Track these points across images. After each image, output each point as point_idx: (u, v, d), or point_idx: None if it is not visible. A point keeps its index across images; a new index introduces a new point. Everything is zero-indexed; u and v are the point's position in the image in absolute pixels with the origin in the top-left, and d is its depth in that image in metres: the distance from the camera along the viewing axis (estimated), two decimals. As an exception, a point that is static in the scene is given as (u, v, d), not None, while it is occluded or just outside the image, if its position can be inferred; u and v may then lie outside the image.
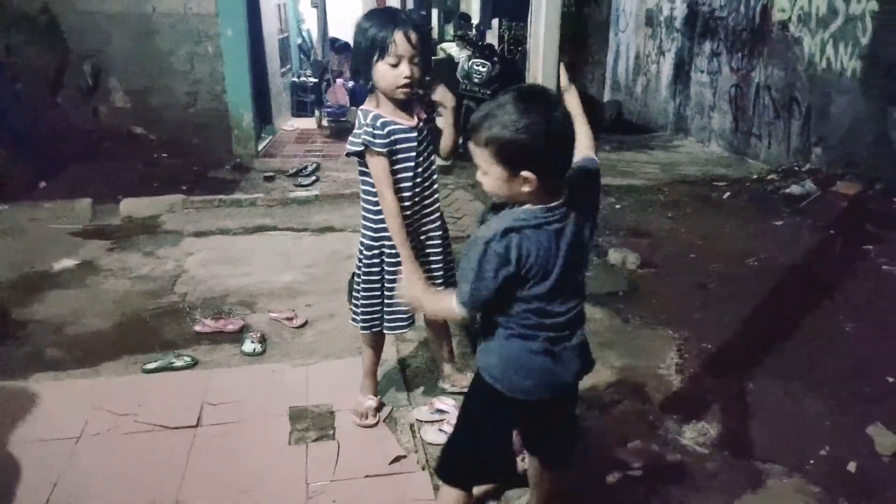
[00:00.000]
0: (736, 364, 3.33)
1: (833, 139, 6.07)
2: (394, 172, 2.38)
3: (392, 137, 2.34)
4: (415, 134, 2.41)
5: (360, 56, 2.29)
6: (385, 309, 2.59)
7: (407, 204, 2.44)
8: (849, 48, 5.79)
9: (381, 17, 2.26)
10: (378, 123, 2.32)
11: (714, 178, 6.59)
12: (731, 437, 2.83)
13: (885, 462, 2.65)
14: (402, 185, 2.42)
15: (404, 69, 2.22)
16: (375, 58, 2.23)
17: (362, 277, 2.56)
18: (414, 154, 2.42)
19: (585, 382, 3.12)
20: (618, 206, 5.90)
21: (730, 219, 5.43)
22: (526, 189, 1.58)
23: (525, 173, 1.56)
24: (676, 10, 8.77)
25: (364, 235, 2.52)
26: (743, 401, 3.08)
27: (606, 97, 10.69)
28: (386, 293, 2.54)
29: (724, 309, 3.89)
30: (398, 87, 2.26)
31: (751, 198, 5.96)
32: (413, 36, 2.20)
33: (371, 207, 2.47)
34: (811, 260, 4.54)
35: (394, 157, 2.37)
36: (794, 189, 5.79)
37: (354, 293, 2.64)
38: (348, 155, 2.43)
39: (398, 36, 2.18)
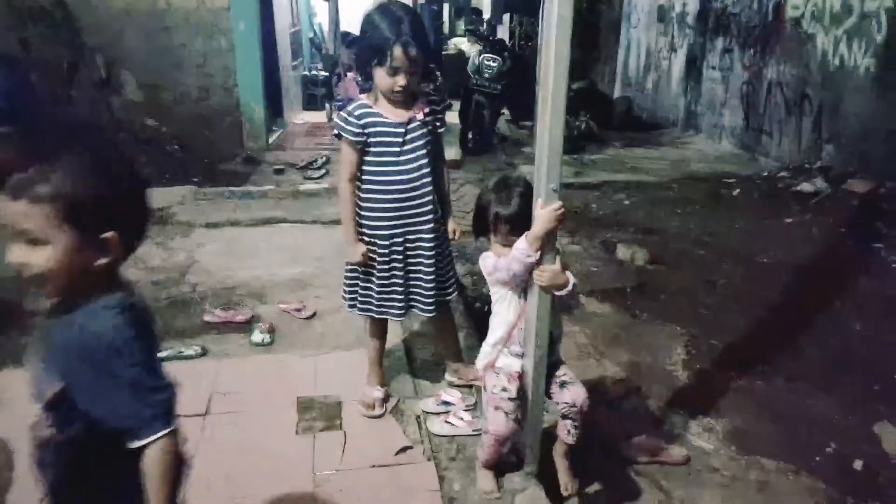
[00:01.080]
0: (743, 361, 3.33)
1: (845, 137, 6.03)
2: (374, 164, 2.47)
3: (367, 130, 2.42)
4: (399, 130, 2.44)
5: (363, 55, 2.44)
6: (376, 295, 2.65)
7: (389, 198, 2.49)
8: (863, 45, 5.75)
9: (386, 24, 2.32)
10: (356, 113, 2.43)
11: (724, 175, 6.56)
12: (737, 433, 2.83)
13: (893, 461, 2.64)
14: (382, 178, 2.48)
15: (400, 79, 2.33)
16: (375, 62, 2.35)
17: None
18: (396, 150, 2.46)
19: (591, 376, 3.15)
20: (627, 203, 5.89)
21: (739, 216, 5.41)
22: (103, 261, 1.26)
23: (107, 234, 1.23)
24: (689, 6, 8.72)
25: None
26: (750, 398, 3.08)
27: (617, 93, 10.65)
28: (377, 279, 2.62)
29: (732, 306, 3.89)
30: (393, 92, 2.38)
31: (761, 195, 5.94)
32: (412, 51, 2.29)
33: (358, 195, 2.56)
34: (821, 258, 4.52)
35: (371, 150, 2.46)
36: (805, 186, 5.77)
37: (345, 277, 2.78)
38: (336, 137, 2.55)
39: (397, 50, 2.28)
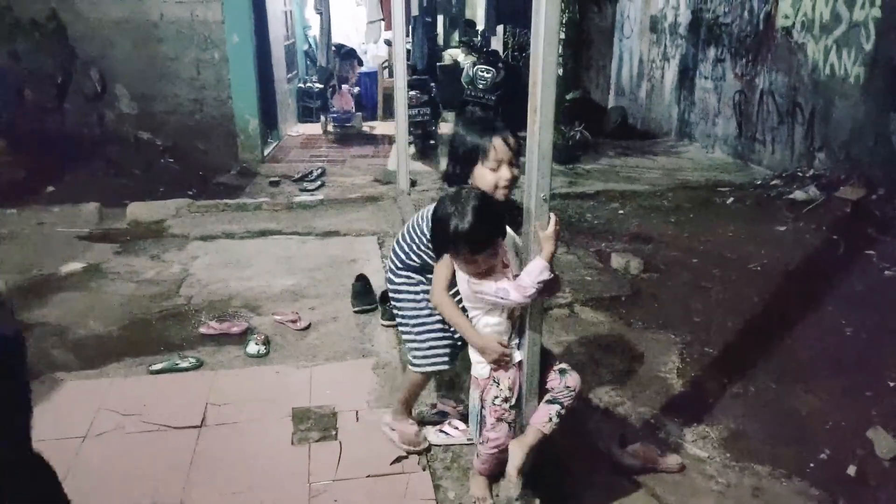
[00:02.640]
0: (737, 368, 3.34)
1: (836, 144, 6.08)
2: None
3: None
4: None
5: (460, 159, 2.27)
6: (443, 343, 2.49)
7: None
8: (852, 54, 5.81)
9: (480, 125, 2.26)
10: None
11: (717, 184, 6.60)
12: (731, 440, 2.85)
13: (885, 466, 2.65)
14: None
15: (505, 172, 2.19)
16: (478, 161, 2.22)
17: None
18: None
19: (586, 384, 3.16)
20: (621, 212, 5.92)
21: (733, 224, 5.44)
22: None
23: None
24: (681, 17, 8.80)
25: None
26: (743, 404, 3.09)
27: (611, 103, 10.71)
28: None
29: (726, 313, 3.91)
30: (498, 189, 2.20)
31: (754, 203, 5.98)
32: (511, 141, 2.20)
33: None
34: (813, 265, 4.54)
35: None
36: (798, 194, 5.80)
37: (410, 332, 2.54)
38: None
39: (497, 142, 2.18)
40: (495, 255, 2.06)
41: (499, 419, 2.19)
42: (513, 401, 2.19)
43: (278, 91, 9.01)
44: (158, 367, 3.24)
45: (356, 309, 3.86)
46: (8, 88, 6.84)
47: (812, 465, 2.68)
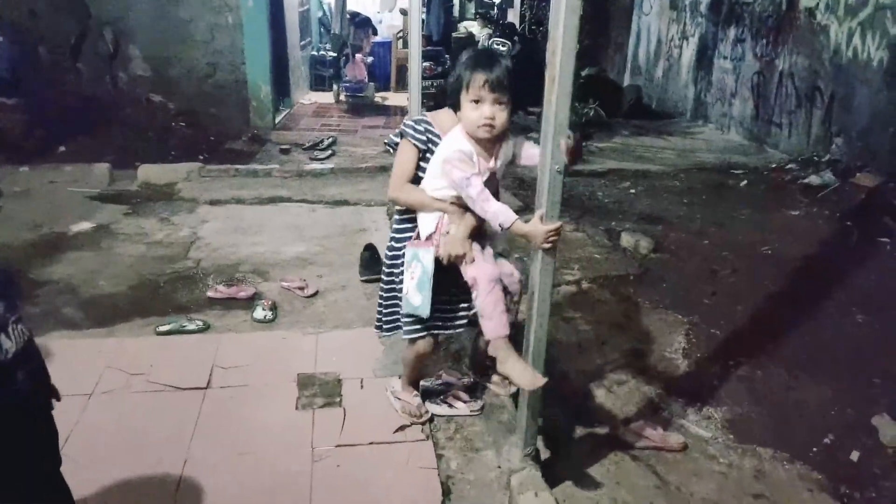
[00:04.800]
0: (743, 351, 3.32)
1: (855, 130, 5.99)
2: None
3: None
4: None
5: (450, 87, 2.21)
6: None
7: None
8: (876, 37, 5.68)
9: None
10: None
11: (731, 166, 6.53)
12: (735, 422, 2.84)
13: (889, 453, 2.65)
14: None
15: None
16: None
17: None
18: None
19: (591, 362, 3.17)
20: (632, 191, 5.87)
21: (745, 207, 5.39)
22: None
23: None
24: (702, -5, 8.64)
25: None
26: (749, 387, 3.08)
27: (626, 81, 10.57)
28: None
29: (735, 296, 3.88)
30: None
31: (768, 187, 5.91)
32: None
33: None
34: (825, 251, 4.50)
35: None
36: (813, 179, 5.73)
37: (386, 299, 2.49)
38: None
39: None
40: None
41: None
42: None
43: (291, 58, 8.94)
44: (166, 328, 3.26)
45: (363, 278, 3.86)
46: (24, 46, 6.80)
47: (815, 449, 2.68)
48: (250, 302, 3.56)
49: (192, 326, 3.27)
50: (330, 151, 6.84)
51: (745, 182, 6.03)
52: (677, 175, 6.29)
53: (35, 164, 5.75)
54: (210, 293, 3.65)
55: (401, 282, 2.34)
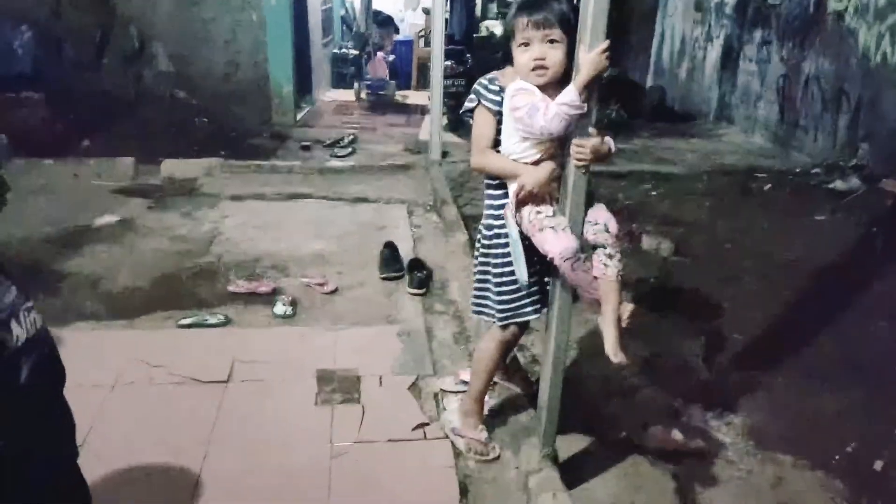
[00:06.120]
0: (764, 358, 3.28)
1: (882, 135, 5.89)
2: None
3: None
4: None
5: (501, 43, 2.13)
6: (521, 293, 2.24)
7: None
8: (906, 42, 5.60)
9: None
10: None
11: (755, 170, 6.44)
12: (755, 428, 2.80)
13: (914, 463, 2.60)
14: None
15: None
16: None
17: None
18: None
19: (609, 366, 3.14)
20: (653, 193, 5.83)
21: (769, 212, 5.32)
22: None
23: None
24: (728, -4, 8.55)
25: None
26: (769, 394, 3.04)
27: (649, 82, 10.49)
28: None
29: (756, 303, 3.83)
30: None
31: (792, 191, 5.83)
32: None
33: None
34: (850, 257, 4.43)
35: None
36: (839, 184, 5.65)
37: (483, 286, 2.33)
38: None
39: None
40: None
41: (541, 230, 2.03)
42: (549, 211, 2.06)
43: (313, 56, 8.98)
44: (187, 321, 3.29)
45: (383, 276, 3.87)
46: (48, 43, 6.90)
47: (837, 458, 2.64)
48: (270, 297, 3.58)
49: (213, 320, 3.30)
50: (351, 149, 6.86)
51: (769, 186, 5.96)
52: (700, 177, 6.23)
53: (59, 158, 5.83)
54: (231, 288, 3.67)
55: (496, 262, 2.20)
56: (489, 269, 2.24)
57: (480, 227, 2.29)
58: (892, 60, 5.76)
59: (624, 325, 2.13)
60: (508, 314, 2.24)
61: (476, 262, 2.34)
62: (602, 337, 2.15)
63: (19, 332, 1.32)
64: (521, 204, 2.06)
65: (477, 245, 2.32)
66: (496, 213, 2.19)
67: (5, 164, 4.96)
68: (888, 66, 5.80)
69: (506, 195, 2.14)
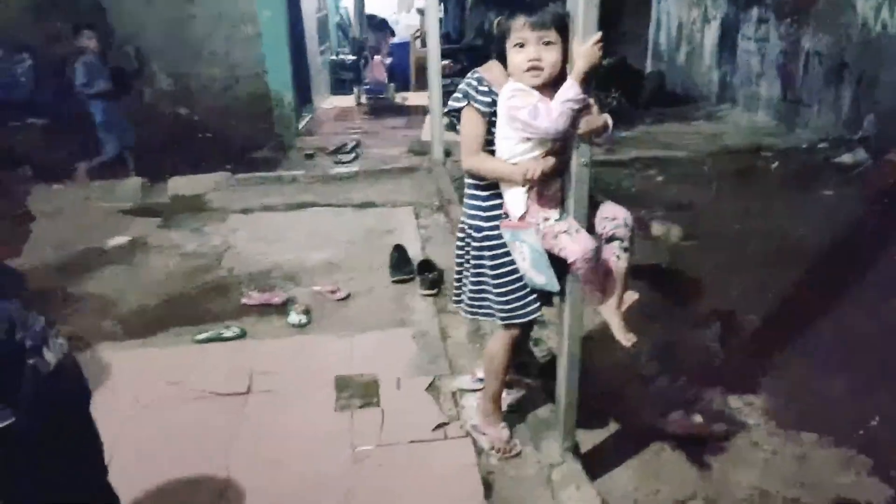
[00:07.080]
0: (780, 338, 3.27)
1: (886, 106, 5.84)
2: None
3: None
4: None
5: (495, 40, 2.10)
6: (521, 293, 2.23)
7: None
8: (905, 10, 5.55)
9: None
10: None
11: (760, 148, 6.41)
12: (776, 408, 2.80)
13: (939, 434, 2.58)
14: None
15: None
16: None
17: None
18: None
19: (626, 353, 3.13)
20: (659, 179, 5.81)
21: (777, 190, 5.30)
22: None
23: None
24: (722, -24, 8.50)
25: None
26: (787, 374, 3.03)
27: (648, 68, 10.45)
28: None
29: (768, 283, 3.81)
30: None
31: (799, 168, 5.80)
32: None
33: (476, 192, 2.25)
34: (859, 233, 4.40)
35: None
36: (845, 158, 5.61)
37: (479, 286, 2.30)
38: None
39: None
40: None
41: (556, 235, 2.03)
42: (556, 215, 2.06)
43: (311, 64, 9.01)
44: (203, 336, 3.31)
45: (394, 279, 3.88)
46: (48, 69, 6.96)
47: (860, 433, 2.63)
48: (284, 307, 3.60)
49: (229, 333, 3.33)
50: (354, 154, 6.88)
51: (775, 164, 5.93)
52: (704, 160, 6.20)
53: (67, 182, 5.87)
54: (244, 300, 3.70)
55: (493, 265, 2.20)
56: (484, 270, 2.23)
57: (466, 229, 2.26)
58: (892, 30, 5.71)
59: (622, 308, 2.20)
60: (511, 314, 2.25)
61: (461, 262, 2.33)
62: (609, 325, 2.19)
63: (50, 357, 1.41)
64: (533, 189, 2.04)
65: (460, 244, 2.31)
66: (484, 214, 2.18)
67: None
68: (888, 36, 5.75)
69: (494, 196, 2.15)
